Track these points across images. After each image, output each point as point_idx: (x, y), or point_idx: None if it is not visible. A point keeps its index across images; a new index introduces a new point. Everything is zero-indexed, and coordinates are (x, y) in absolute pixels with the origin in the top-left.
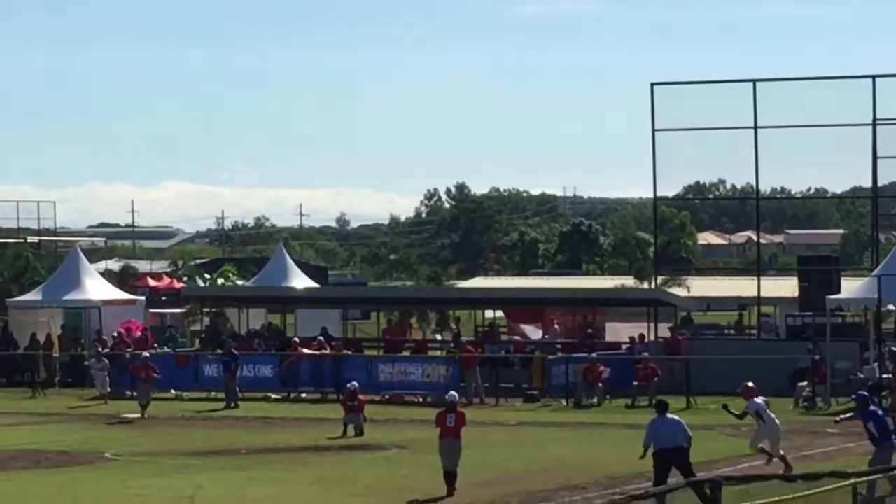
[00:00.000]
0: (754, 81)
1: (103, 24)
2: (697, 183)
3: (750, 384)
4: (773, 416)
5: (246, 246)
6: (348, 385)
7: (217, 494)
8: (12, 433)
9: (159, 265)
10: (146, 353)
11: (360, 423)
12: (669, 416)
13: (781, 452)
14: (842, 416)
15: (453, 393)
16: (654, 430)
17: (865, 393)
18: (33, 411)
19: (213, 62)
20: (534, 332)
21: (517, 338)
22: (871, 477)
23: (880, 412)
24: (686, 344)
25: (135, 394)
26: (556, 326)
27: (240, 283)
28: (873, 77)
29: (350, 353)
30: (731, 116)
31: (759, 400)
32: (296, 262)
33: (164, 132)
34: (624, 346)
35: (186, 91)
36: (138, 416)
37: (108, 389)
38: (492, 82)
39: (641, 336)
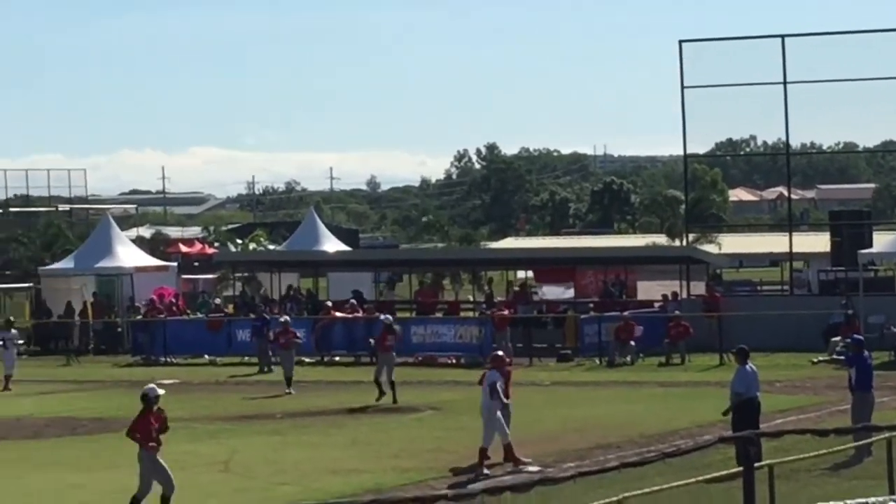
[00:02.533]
0: (783, 37)
1: None
2: (729, 140)
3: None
4: None
5: (277, 210)
6: (382, 317)
7: (252, 459)
8: (47, 401)
9: (191, 231)
10: (285, 317)
11: (391, 362)
12: (749, 364)
13: None
14: (820, 359)
15: (498, 352)
16: (742, 378)
17: (861, 338)
18: (68, 379)
19: (241, 25)
20: (564, 292)
21: (549, 298)
22: None
23: (869, 361)
24: (722, 300)
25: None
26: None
27: (271, 247)
28: None
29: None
30: (761, 72)
31: None
32: (327, 225)
33: (193, 97)
34: (656, 305)
35: (215, 55)
36: (174, 381)
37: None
38: (520, 42)
39: (674, 294)
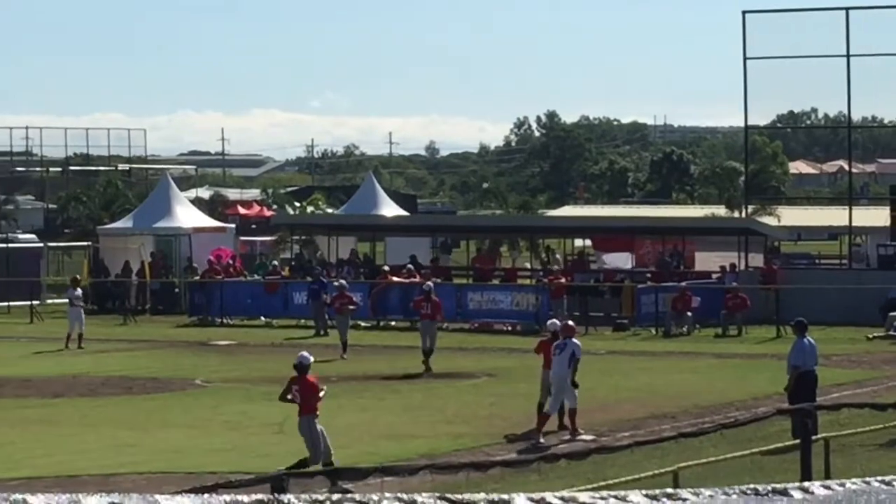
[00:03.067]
0: (847, 9)
1: None
2: (790, 112)
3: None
4: None
5: (335, 174)
6: (424, 286)
7: None
8: (104, 359)
9: (250, 193)
10: (341, 282)
11: (433, 332)
12: (807, 338)
13: None
14: (876, 334)
15: (555, 321)
16: (799, 351)
17: None
18: (124, 338)
19: None
20: (623, 262)
21: (606, 266)
22: None
23: None
24: (780, 273)
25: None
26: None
27: (329, 211)
28: None
29: (439, 280)
30: (824, 44)
31: None
32: (385, 190)
33: (255, 60)
34: (714, 276)
35: (278, 18)
36: (230, 342)
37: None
38: (582, 10)
39: (732, 265)
